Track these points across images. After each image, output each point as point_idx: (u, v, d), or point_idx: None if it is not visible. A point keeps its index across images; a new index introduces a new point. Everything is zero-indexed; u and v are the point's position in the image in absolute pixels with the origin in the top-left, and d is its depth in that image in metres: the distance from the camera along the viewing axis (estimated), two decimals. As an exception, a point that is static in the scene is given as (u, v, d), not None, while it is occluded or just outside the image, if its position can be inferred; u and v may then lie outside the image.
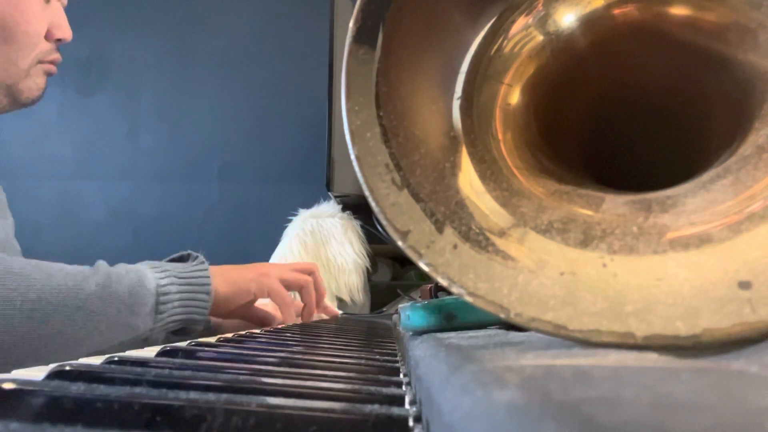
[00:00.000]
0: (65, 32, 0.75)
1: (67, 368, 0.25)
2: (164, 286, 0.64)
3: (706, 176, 0.27)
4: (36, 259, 0.59)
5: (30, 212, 1.93)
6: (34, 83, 0.74)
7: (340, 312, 1.24)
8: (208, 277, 0.68)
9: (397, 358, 0.41)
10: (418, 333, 0.36)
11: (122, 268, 0.63)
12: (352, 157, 0.29)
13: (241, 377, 0.27)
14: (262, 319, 0.82)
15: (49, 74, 0.76)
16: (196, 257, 0.72)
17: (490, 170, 0.31)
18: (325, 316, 0.94)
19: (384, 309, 1.41)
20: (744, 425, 0.10)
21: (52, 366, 0.25)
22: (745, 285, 0.22)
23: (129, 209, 2.01)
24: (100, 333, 0.57)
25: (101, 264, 0.62)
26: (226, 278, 0.73)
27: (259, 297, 0.79)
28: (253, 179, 2.02)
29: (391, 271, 1.58)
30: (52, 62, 0.75)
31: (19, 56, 0.71)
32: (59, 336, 0.55)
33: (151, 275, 0.64)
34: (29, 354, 0.54)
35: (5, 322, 0.52)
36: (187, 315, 0.66)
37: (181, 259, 0.73)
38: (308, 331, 0.66)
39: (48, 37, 0.74)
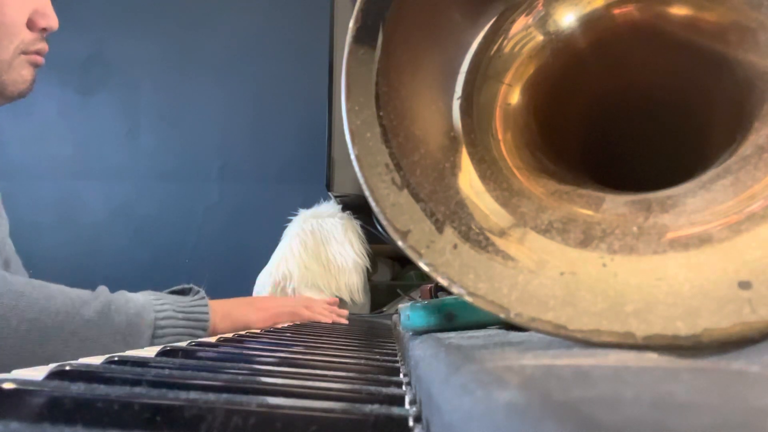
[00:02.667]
0: (50, 21, 0.71)
1: (67, 368, 0.25)
2: (162, 320, 0.65)
3: (706, 176, 0.27)
4: (38, 280, 0.59)
5: (30, 212, 1.93)
6: (18, 75, 0.70)
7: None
8: (207, 313, 0.70)
9: (397, 358, 0.41)
10: (418, 333, 0.36)
11: (123, 297, 0.63)
12: (352, 157, 0.29)
13: (241, 377, 0.27)
14: None
15: (35, 65, 0.72)
16: (198, 292, 0.73)
17: (490, 170, 0.30)
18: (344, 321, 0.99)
19: (384, 309, 1.41)
20: (744, 425, 0.10)
21: (52, 366, 0.25)
22: (745, 285, 0.22)
23: (129, 209, 2.01)
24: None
25: (102, 290, 0.63)
26: (226, 315, 0.75)
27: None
28: (253, 179, 2.02)
29: (391, 271, 1.58)
30: (37, 53, 0.71)
31: None
32: (53, 359, 0.55)
33: (150, 307, 0.64)
34: None
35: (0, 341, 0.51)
36: None
37: (183, 292, 0.74)
38: (308, 331, 0.66)
39: (31, 26, 0.70)
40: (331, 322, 0.92)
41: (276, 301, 0.91)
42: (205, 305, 0.70)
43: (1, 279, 0.53)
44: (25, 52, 0.70)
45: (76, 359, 0.55)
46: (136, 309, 0.62)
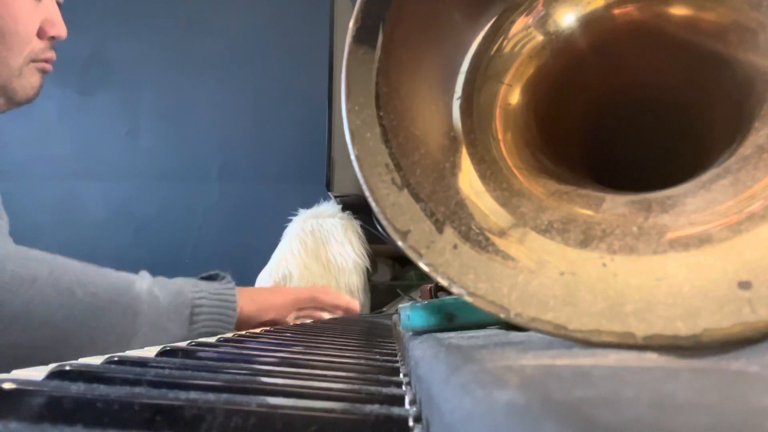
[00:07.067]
0: (59, 30, 0.74)
1: (67, 368, 0.25)
2: (198, 299, 0.69)
3: (706, 176, 0.27)
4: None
5: (30, 212, 1.93)
6: (27, 82, 0.73)
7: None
8: (235, 295, 0.74)
9: (397, 358, 0.41)
10: (418, 333, 0.36)
11: (162, 279, 0.68)
12: (352, 157, 0.29)
13: (241, 377, 0.27)
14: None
15: (43, 72, 0.75)
16: (224, 277, 0.78)
17: (490, 170, 0.30)
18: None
19: (384, 309, 1.41)
20: (744, 425, 0.10)
21: (52, 366, 0.25)
22: (745, 285, 0.22)
23: (129, 209, 2.01)
24: (144, 334, 0.61)
25: (144, 273, 0.67)
26: (251, 298, 0.79)
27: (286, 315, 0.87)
28: (253, 179, 2.02)
29: (391, 271, 1.58)
30: (46, 60, 0.74)
31: (9, 56, 0.70)
32: (112, 330, 0.58)
33: (187, 289, 0.69)
34: (86, 344, 0.57)
35: (67, 311, 0.55)
36: (215, 328, 0.70)
37: (210, 277, 0.79)
38: (308, 331, 0.66)
39: (41, 35, 0.72)
40: (345, 304, 0.96)
41: (295, 288, 0.98)
42: (233, 288, 0.75)
43: (61, 259, 0.57)
44: (34, 60, 0.73)
45: (131, 332, 0.59)
46: (177, 289, 0.67)
